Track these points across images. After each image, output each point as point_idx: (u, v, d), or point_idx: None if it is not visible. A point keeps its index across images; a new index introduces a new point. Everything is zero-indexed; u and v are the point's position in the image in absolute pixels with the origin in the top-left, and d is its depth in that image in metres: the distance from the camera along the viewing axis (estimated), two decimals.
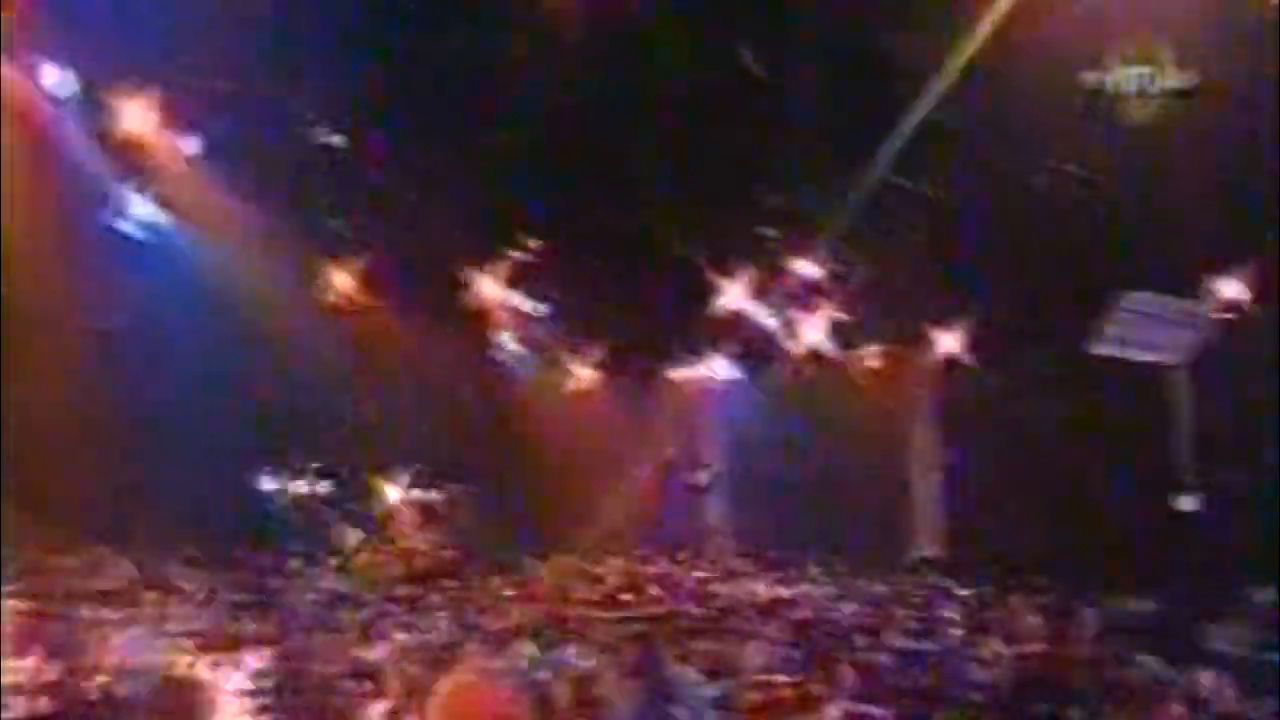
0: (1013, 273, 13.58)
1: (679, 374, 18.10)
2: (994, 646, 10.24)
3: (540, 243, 14.66)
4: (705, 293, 15.29)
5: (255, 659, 7.15)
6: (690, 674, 7.89)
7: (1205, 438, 14.11)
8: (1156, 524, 13.94)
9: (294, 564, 12.83)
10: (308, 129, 11.05)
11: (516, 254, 14.93)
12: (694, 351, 17.61)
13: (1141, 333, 13.40)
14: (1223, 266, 13.54)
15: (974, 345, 15.86)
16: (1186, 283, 13.65)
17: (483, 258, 15.00)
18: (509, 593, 11.87)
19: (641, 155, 12.44)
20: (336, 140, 11.25)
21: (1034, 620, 11.59)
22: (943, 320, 16.06)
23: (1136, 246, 12.73)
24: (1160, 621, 11.72)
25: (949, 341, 16.13)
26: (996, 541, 14.48)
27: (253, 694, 6.68)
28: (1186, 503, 14.13)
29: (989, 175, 12.45)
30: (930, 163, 12.44)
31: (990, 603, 12.44)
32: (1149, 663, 10.27)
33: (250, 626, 8.49)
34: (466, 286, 15.05)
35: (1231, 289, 13.51)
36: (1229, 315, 13.61)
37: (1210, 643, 11.13)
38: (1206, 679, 10.23)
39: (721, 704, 7.65)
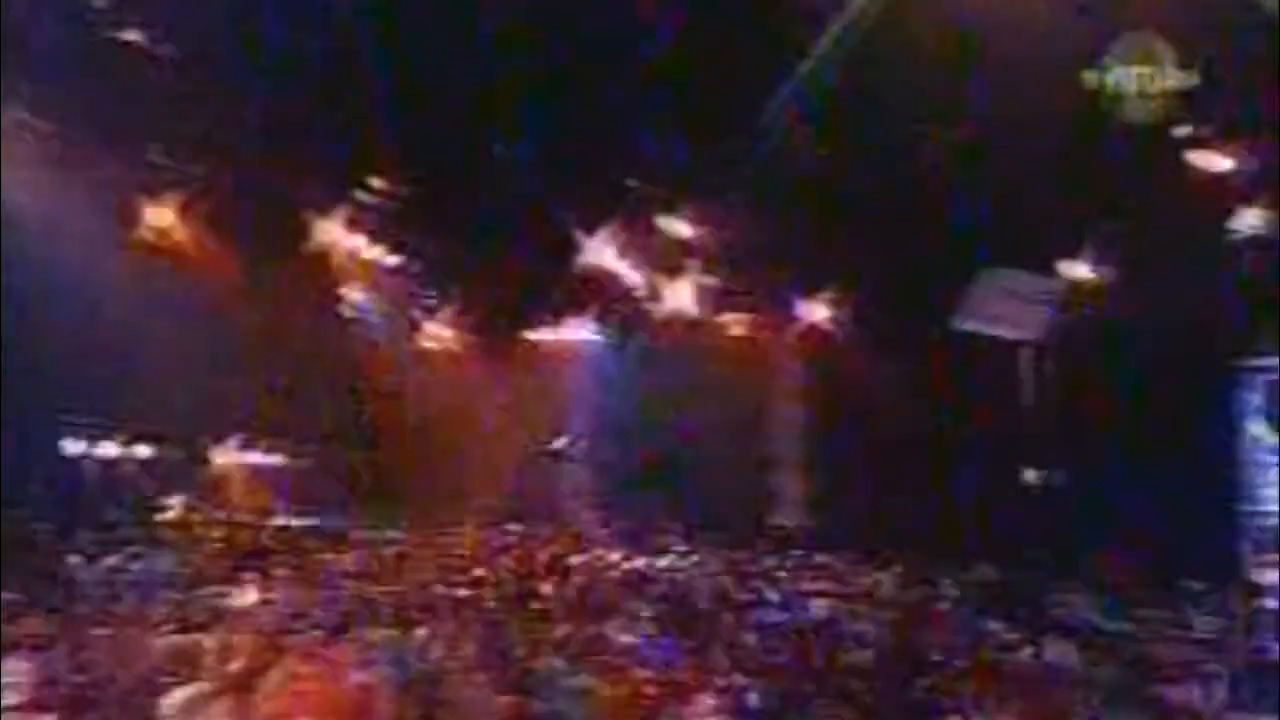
0: (882, 244, 13.49)
1: (540, 335, 17.35)
2: (859, 618, 10.20)
3: (393, 186, 13.53)
4: (569, 249, 14.66)
5: (28, 662, 5.98)
6: (551, 662, 7.30)
7: (1056, 413, 14.51)
8: (1007, 496, 14.30)
9: (101, 540, 11.36)
10: (111, 25, 9.37)
11: (366, 197, 13.74)
12: (556, 312, 16.81)
13: (1001, 309, 13.66)
14: (1078, 246, 13.82)
15: (841, 316, 15.76)
16: (1045, 261, 13.88)
17: (329, 199, 13.73)
18: (351, 569, 10.92)
19: (506, 95, 11.56)
20: (149, 43, 9.64)
21: (895, 591, 11.68)
22: (812, 289, 15.86)
23: (1003, 222, 12.85)
24: (1011, 590, 12.01)
25: (817, 311, 15.97)
26: (857, 512, 14.43)
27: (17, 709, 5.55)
28: (1035, 475, 14.58)
29: (868, 139, 12.28)
30: (812, 123, 12.16)
31: (853, 574, 12.46)
32: (1000, 631, 10.45)
33: (30, 621, 7.21)
34: (310, 231, 13.77)
35: (1085, 269, 13.78)
36: (1083, 294, 13.95)
37: (1058, 611, 11.47)
38: (1055, 646, 10.50)
39: (586, 694, 7.06)
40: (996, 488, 14.37)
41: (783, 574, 12.38)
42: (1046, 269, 13.96)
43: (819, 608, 10.91)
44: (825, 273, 15.64)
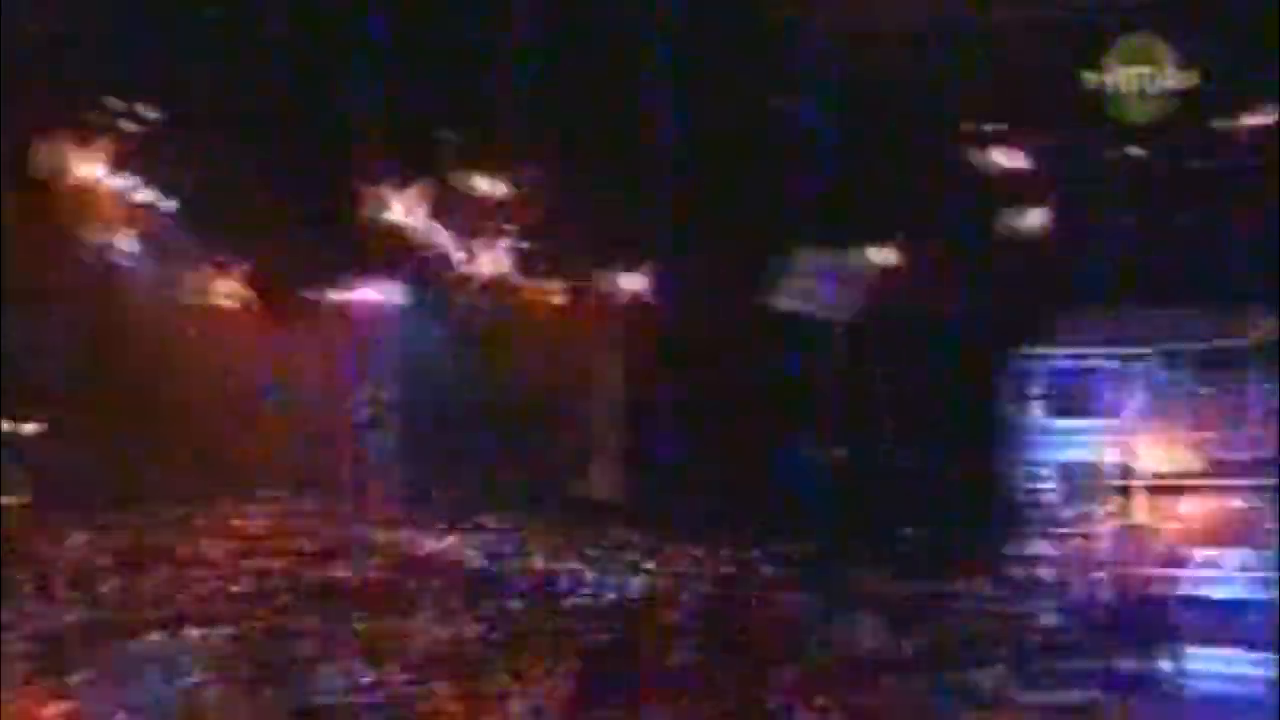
0: (705, 218, 13.53)
1: (337, 295, 15.90)
2: (670, 593, 10.03)
3: (162, 113, 11.78)
4: (371, 202, 13.73)
5: None
6: (345, 670, 6.35)
7: (860, 391, 14.88)
8: (815, 472, 14.57)
9: None
10: None
11: (128, 126, 11.86)
12: (356, 270, 15.37)
13: (812, 289, 13.90)
14: (890, 232, 13.99)
15: (660, 288, 15.44)
16: (855, 243, 14.03)
17: (77, 126, 11.76)
18: (102, 561, 9.33)
19: (301, 22, 10.27)
20: None
21: (707, 565, 11.62)
22: (631, 260, 15.42)
23: (819, 203, 12.87)
24: (816, 563, 12.27)
25: (635, 282, 15.51)
26: (669, 487, 14.48)
27: None
28: (841, 452, 14.96)
29: (698, 107, 12.01)
30: (639, 86, 11.73)
31: (665, 549, 12.34)
32: (807, 602, 10.59)
33: None
34: (55, 162, 11.76)
35: (889, 254, 14.00)
36: (886, 279, 14.20)
37: (861, 584, 11.80)
38: (859, 618, 10.76)
39: (384, 705, 6.18)
40: (802, 463, 14.59)
41: (597, 551, 11.94)
42: (855, 252, 14.00)
43: (635, 585, 10.59)
44: (642, 243, 15.16)
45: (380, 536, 11.83)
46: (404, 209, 13.98)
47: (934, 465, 13.52)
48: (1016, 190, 12.93)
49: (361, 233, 14.15)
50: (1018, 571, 12.84)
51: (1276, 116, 10.21)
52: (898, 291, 13.89)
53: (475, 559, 11.12)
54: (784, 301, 13.98)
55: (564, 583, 10.21)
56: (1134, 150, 11.78)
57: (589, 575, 10.71)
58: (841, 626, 10.83)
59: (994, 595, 12.17)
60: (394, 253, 14.75)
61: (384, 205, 13.78)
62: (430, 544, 11.79)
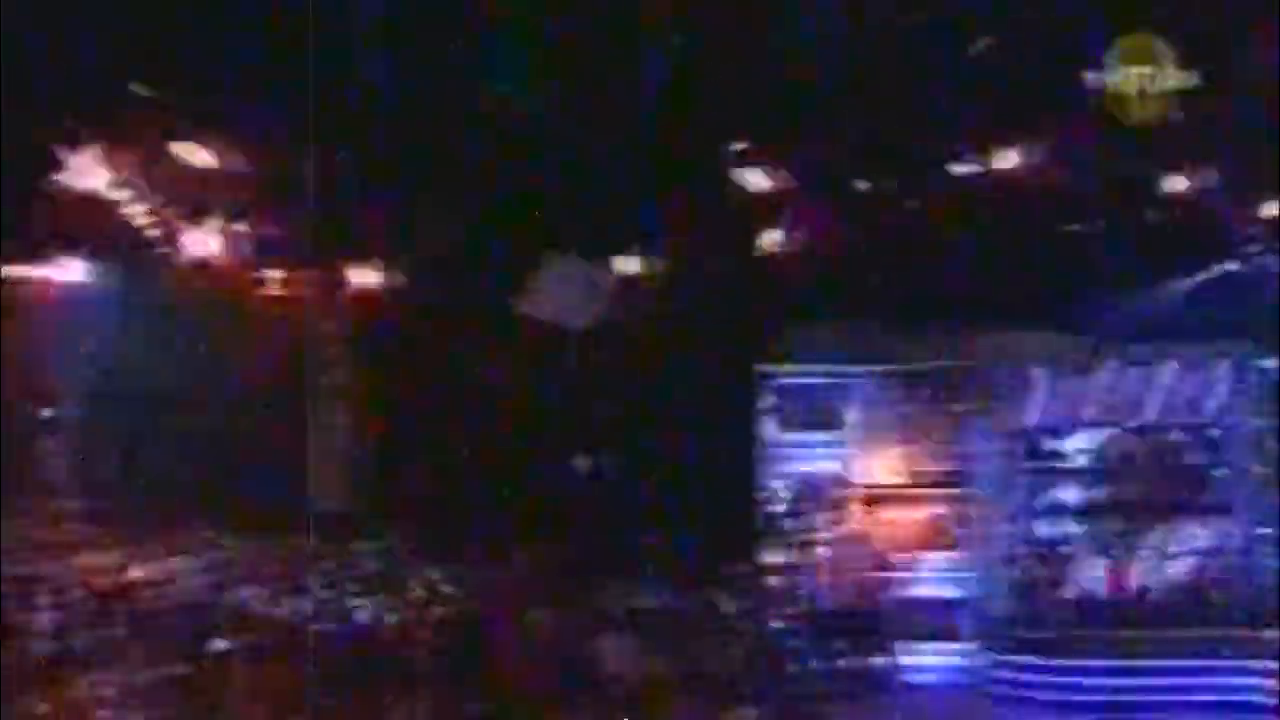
0: (450, 214, 13.24)
1: (13, 272, 13.95)
2: (410, 610, 9.58)
3: None
4: (49, 165, 12.42)
5: None
6: None
7: (606, 400, 14.99)
8: (558, 482, 14.56)
9: None
10: None
11: None
12: (34, 244, 13.74)
13: (558, 295, 13.85)
14: (633, 241, 14.22)
15: (399, 285, 14.80)
16: (601, 251, 14.24)
17: None
18: None
19: None
20: None
21: (447, 578, 11.30)
22: (367, 252, 14.66)
23: (568, 208, 12.97)
24: (563, 577, 12.28)
25: (371, 275, 14.76)
26: (404, 495, 14.10)
27: None
28: (583, 462, 15.07)
29: (450, 101, 11.49)
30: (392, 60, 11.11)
31: (402, 563, 11.86)
32: (550, 619, 10.50)
33: None
34: None
35: (633, 263, 14.31)
36: (634, 286, 14.39)
37: (609, 599, 11.89)
38: (609, 638, 10.80)
39: None
40: (547, 474, 14.50)
41: (324, 572, 11.12)
42: (604, 260, 14.14)
43: (368, 610, 9.97)
44: (381, 235, 14.44)
45: (58, 565, 10.24)
46: (102, 176, 12.62)
47: (672, 476, 13.85)
48: (760, 207, 13.42)
49: (47, 201, 12.60)
50: (753, 582, 13.43)
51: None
52: (642, 301, 14.09)
53: (179, 587, 9.88)
54: (528, 307, 13.84)
55: (287, 612, 9.27)
56: (885, 180, 12.51)
57: (313, 602, 9.84)
58: (586, 646, 10.74)
59: (732, 608, 12.65)
60: (87, 226, 13.30)
61: (78, 171, 12.38)
62: (122, 571, 10.37)
